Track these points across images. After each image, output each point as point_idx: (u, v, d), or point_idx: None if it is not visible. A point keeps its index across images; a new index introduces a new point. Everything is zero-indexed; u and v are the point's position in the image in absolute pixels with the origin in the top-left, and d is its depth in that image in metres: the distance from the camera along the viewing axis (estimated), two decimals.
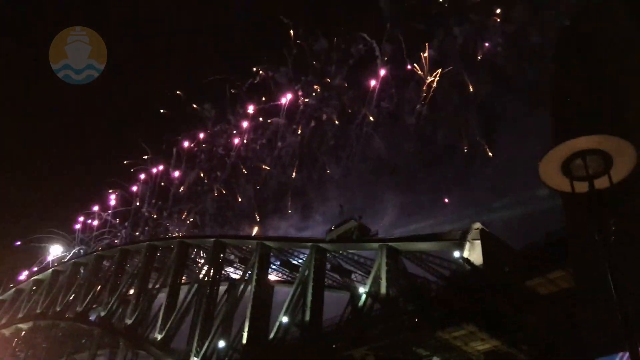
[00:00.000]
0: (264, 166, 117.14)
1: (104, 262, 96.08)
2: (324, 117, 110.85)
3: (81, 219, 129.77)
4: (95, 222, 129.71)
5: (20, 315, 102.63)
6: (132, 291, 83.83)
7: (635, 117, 26.16)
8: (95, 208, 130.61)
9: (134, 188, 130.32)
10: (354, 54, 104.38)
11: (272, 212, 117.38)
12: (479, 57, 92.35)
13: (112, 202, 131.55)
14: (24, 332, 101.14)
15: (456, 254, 51.40)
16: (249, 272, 68.82)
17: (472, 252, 49.52)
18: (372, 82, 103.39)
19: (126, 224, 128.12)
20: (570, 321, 33.54)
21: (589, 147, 7.66)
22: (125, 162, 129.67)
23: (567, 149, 7.70)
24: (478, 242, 49.78)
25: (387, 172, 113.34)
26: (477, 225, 50.82)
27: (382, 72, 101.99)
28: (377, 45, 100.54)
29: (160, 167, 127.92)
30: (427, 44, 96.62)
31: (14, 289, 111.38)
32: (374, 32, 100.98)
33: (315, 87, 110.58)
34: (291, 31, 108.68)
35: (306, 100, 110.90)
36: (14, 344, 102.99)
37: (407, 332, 46.65)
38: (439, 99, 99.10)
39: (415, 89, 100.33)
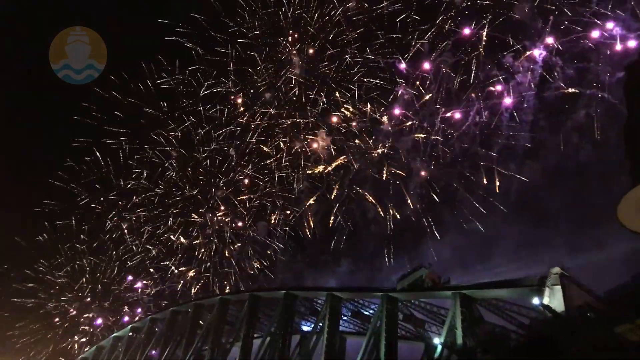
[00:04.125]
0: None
1: (179, 317, 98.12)
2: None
3: None
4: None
5: None
6: (206, 346, 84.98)
7: None
8: None
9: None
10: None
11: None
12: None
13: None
14: None
15: (535, 300, 49.34)
16: (320, 324, 68.45)
17: (553, 299, 47.47)
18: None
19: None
20: None
21: None
22: None
23: None
24: (558, 288, 47.67)
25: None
26: (556, 269, 48.74)
27: None
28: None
29: None
30: None
31: (95, 347, 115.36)
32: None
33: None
34: None
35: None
36: None
37: None
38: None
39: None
